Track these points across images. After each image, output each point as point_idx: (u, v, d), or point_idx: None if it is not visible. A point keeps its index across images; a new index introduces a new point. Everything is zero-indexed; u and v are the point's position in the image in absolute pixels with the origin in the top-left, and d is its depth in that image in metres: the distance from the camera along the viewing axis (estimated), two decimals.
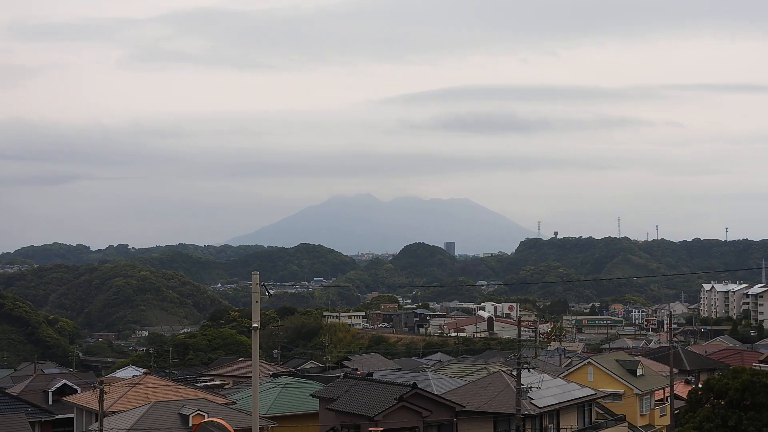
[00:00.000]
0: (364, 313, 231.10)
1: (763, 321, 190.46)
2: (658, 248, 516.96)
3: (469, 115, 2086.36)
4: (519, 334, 55.72)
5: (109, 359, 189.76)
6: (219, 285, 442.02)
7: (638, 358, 73.12)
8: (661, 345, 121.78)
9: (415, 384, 46.98)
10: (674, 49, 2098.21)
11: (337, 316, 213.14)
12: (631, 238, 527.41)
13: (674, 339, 78.22)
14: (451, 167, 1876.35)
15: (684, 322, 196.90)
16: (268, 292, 27.86)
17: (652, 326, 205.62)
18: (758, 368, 58.27)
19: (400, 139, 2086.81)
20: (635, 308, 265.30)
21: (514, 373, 48.98)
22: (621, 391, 63.73)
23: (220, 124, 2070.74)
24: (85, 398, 54.12)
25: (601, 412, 60.61)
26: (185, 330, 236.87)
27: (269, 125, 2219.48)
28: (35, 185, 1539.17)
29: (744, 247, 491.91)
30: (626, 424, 60.17)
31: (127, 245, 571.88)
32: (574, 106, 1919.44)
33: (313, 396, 53.46)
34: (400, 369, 73.55)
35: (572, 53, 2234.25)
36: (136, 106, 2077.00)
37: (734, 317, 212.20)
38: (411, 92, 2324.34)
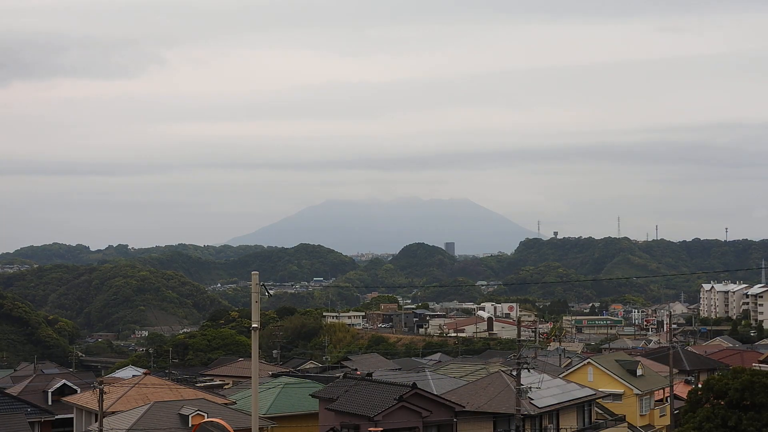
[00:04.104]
0: (363, 314, 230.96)
1: (762, 321, 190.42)
2: (658, 248, 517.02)
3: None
4: (519, 335, 55.63)
5: (108, 359, 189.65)
6: (219, 285, 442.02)
7: (638, 359, 73.11)
8: (661, 345, 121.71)
9: (414, 384, 46.96)
10: None
11: (336, 316, 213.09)
12: (631, 238, 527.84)
13: (674, 339, 78.25)
14: (451, 167, 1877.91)
15: (684, 322, 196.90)
16: (268, 293, 27.85)
17: (652, 326, 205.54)
18: (758, 368, 58.23)
19: (399, 138, 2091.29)
20: (635, 308, 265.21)
21: (514, 373, 48.96)
22: (621, 391, 63.74)
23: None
24: (85, 398, 54.12)
25: (600, 412, 60.62)
26: (185, 330, 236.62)
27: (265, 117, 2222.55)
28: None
29: (744, 247, 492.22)
30: (626, 424, 60.17)
31: (127, 245, 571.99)
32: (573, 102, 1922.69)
33: (312, 396, 53.43)
34: (399, 369, 73.47)
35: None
36: None
37: (734, 317, 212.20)
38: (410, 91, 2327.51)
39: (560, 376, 64.12)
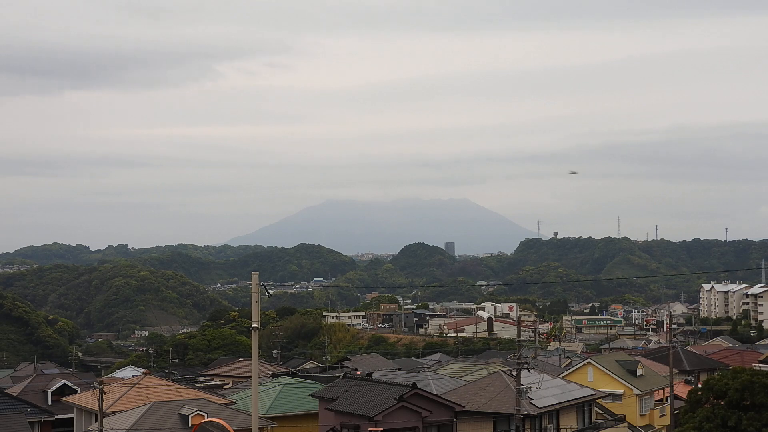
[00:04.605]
0: (363, 314, 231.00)
1: (762, 321, 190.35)
2: (658, 248, 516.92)
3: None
4: (519, 334, 55.60)
5: (108, 359, 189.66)
6: (219, 285, 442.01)
7: (638, 359, 73.12)
8: (661, 345, 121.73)
9: (414, 384, 46.95)
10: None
11: (336, 316, 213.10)
12: (631, 238, 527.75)
13: (674, 339, 78.20)
14: (451, 168, 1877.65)
15: (684, 322, 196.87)
16: (268, 293, 27.86)
17: (652, 326, 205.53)
18: (758, 368, 58.22)
19: (399, 139, 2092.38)
20: (635, 308, 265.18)
21: (514, 373, 48.94)
22: (621, 391, 63.72)
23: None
24: (85, 398, 54.10)
25: (600, 412, 60.61)
26: (185, 330, 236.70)
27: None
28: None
29: (744, 247, 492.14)
30: (626, 424, 60.15)
31: (127, 245, 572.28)
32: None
33: (312, 396, 53.43)
34: (399, 369, 73.47)
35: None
36: None
37: (734, 317, 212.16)
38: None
39: (560, 376, 64.10)
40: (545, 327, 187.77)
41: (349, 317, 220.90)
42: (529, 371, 50.02)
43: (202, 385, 72.25)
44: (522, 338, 61.17)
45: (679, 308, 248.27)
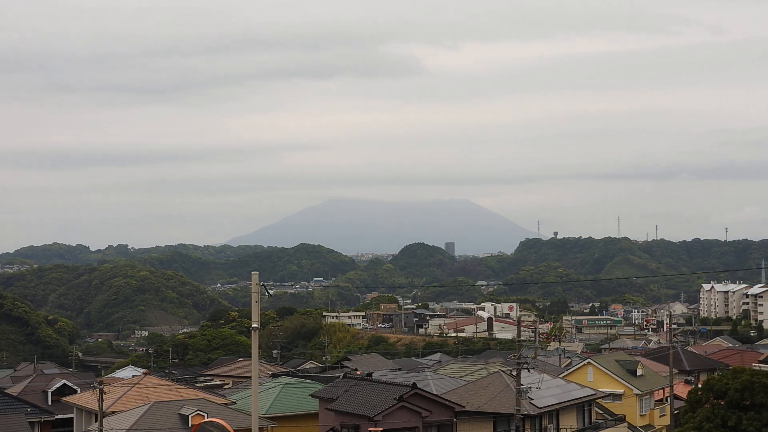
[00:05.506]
0: (363, 314, 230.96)
1: (762, 321, 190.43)
2: (658, 248, 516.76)
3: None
4: (519, 335, 55.72)
5: (108, 359, 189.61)
6: (219, 285, 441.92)
7: (638, 359, 73.13)
8: (661, 345, 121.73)
9: (414, 384, 46.97)
10: None
11: (336, 316, 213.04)
12: (631, 238, 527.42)
13: (674, 339, 78.21)
14: (452, 169, 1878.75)
15: (684, 322, 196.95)
16: (268, 293, 27.88)
17: (652, 326, 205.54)
18: (758, 368, 58.22)
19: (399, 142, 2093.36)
20: (635, 308, 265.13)
21: (514, 373, 48.97)
22: (621, 391, 63.75)
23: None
24: (85, 398, 54.12)
25: (600, 412, 60.63)
26: (185, 330, 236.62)
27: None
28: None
29: (744, 247, 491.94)
30: (626, 424, 60.17)
31: (127, 245, 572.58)
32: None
33: (312, 396, 53.46)
34: (399, 369, 73.46)
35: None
36: None
37: (734, 317, 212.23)
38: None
39: (560, 376, 64.13)
40: (545, 327, 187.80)
41: (349, 317, 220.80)
42: (529, 371, 50.05)
43: (202, 385, 72.29)
44: (522, 338, 61.27)
45: (679, 308, 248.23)
